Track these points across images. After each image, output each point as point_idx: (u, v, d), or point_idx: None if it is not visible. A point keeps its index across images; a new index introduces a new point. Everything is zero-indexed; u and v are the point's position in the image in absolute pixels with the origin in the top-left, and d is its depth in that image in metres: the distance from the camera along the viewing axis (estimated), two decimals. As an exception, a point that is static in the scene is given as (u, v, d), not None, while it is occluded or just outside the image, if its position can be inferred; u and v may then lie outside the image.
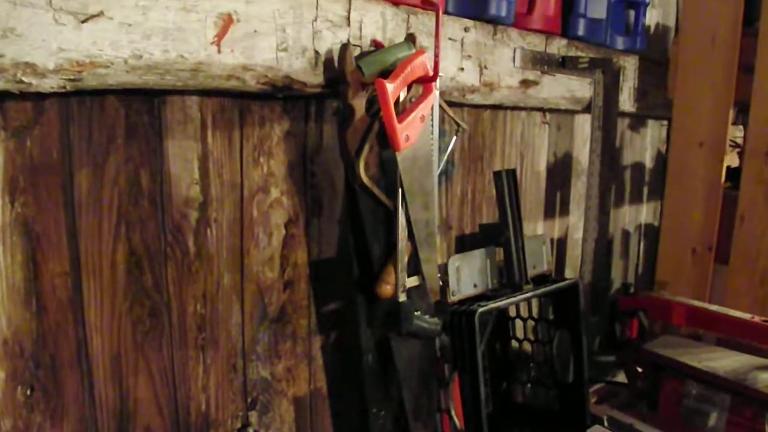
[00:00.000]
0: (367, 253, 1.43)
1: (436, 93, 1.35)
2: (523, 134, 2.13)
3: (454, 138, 1.58)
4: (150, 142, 1.26)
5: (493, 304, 1.54)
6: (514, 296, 1.63)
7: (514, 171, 1.68)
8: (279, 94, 1.36)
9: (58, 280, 1.19)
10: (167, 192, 1.30)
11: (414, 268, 1.46)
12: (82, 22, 1.03)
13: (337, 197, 1.57)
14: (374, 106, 1.34)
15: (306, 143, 1.50)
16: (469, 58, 1.70)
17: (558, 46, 2.00)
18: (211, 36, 1.18)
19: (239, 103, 1.38)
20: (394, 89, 1.23)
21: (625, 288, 2.51)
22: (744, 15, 2.19)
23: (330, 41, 1.36)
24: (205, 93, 1.31)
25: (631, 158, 2.75)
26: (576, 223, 2.46)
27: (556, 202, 2.37)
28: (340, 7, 1.38)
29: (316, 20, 1.33)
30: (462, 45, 1.67)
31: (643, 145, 2.83)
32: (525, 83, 1.90)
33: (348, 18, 1.39)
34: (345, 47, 1.33)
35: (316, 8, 1.33)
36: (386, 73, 1.28)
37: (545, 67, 1.93)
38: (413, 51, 1.36)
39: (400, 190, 1.36)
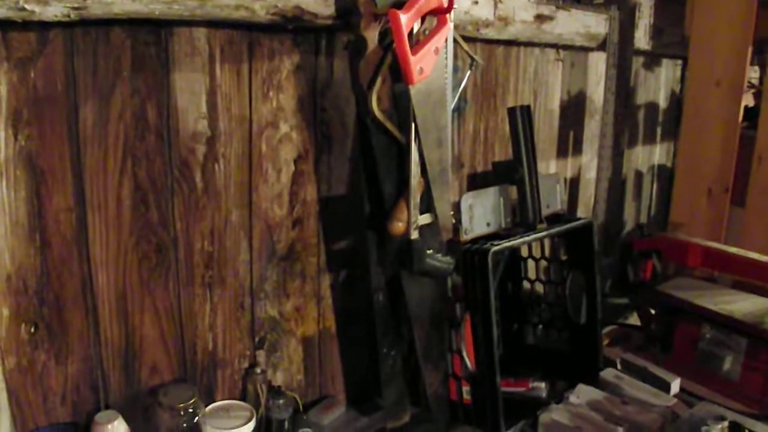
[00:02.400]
0: (378, 189, 1.40)
1: (450, 25, 1.31)
2: (536, 71, 2.08)
3: (468, 73, 1.54)
4: (157, 75, 1.23)
5: (506, 243, 1.51)
6: (528, 235, 1.60)
7: (528, 107, 1.64)
8: (289, 26, 1.32)
9: (63, 215, 1.17)
10: (174, 126, 1.27)
11: (426, 205, 1.43)
12: (86, -55, 1.00)
13: (347, 133, 1.53)
14: (387, 37, 1.30)
15: (316, 77, 1.46)
16: (483, -10, 1.65)
17: (574, -19, 1.95)
18: None
19: (248, 35, 1.34)
20: (407, 20, 1.19)
21: (639, 229, 2.48)
22: (765, -53, 2.11)
23: None
24: (213, 24, 1.27)
25: (644, 98, 2.71)
26: (588, 163, 2.43)
27: (568, 142, 2.33)
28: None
29: (326, -50, 1.29)
30: (477, -23, 1.62)
31: (657, 85, 2.78)
32: (539, 18, 1.85)
33: (359, -52, 1.34)
34: None
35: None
36: (400, 4, 1.23)
37: (560, 2, 1.88)
38: None
39: (413, 125, 1.32)
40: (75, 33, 1.12)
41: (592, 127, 2.40)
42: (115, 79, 1.18)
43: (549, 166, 2.24)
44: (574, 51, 2.21)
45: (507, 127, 1.79)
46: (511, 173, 1.66)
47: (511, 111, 1.63)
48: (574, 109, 2.31)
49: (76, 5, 1.01)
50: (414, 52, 1.22)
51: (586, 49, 2.24)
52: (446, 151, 1.40)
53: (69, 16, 1.01)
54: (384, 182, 1.39)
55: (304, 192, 1.50)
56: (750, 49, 2.15)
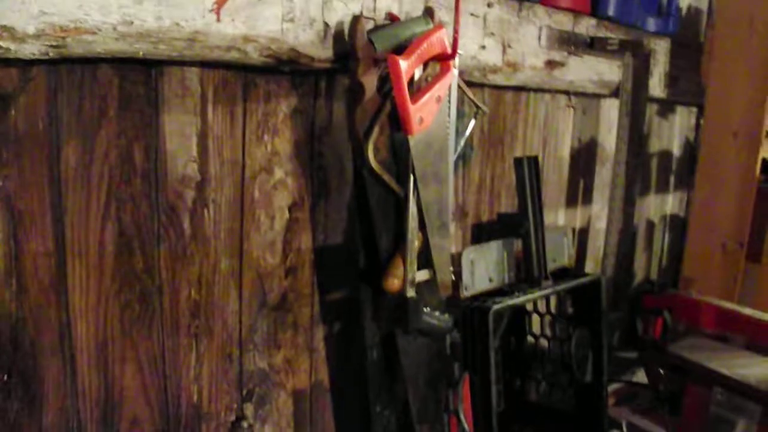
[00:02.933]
0: (374, 243, 1.33)
1: (454, 72, 1.24)
2: (546, 118, 2.02)
3: (473, 121, 1.48)
4: (145, 116, 1.18)
5: (508, 301, 1.45)
6: (532, 293, 1.54)
7: (535, 158, 1.58)
8: (284, 68, 1.27)
9: (41, 260, 1.11)
10: (162, 169, 1.21)
11: (425, 260, 1.36)
12: (67, -18, 0.94)
13: (345, 180, 1.47)
14: (386, 84, 1.24)
15: (314, 121, 1.41)
16: (492, 36, 1.59)
17: (586, 26, 1.89)
18: (209, 3, 1.09)
19: (243, 76, 1.28)
20: (408, 66, 1.12)
21: (650, 285, 2.41)
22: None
23: (341, 12, 1.26)
24: (206, 64, 1.21)
25: (658, 146, 2.64)
26: (599, 213, 2.36)
27: (578, 190, 2.27)
28: (354, -25, 1.28)
29: (326, -12, 1.23)
30: (485, 21, 1.56)
31: (671, 133, 2.72)
32: (550, 64, 1.79)
33: (361, -13, 1.28)
34: (356, 19, 1.22)
35: (327, -25, 1.23)
36: (401, 49, 1.17)
37: (572, 48, 1.82)
38: (431, 26, 1.25)
39: (411, 177, 1.26)
40: (59, 70, 1.06)
41: (603, 176, 2.34)
42: (101, 118, 1.12)
43: (558, 215, 2.18)
44: (585, 98, 2.16)
45: (514, 176, 1.74)
46: (516, 226, 1.60)
47: (518, 162, 1.57)
48: (584, 157, 2.25)
49: (54, 43, 0.95)
50: (414, 101, 1.16)
51: (598, 96, 2.18)
52: (446, 204, 1.33)
53: (48, 54, 0.96)
54: (380, 236, 1.32)
55: (298, 240, 1.44)
56: (768, 100, 2.10)
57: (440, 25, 1.25)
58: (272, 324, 1.44)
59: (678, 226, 2.87)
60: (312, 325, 1.51)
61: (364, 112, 1.22)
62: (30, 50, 0.94)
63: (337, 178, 1.46)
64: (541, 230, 1.58)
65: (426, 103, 1.18)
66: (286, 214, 1.41)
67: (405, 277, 1.30)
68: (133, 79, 1.15)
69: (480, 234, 1.86)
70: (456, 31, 1.21)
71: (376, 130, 1.21)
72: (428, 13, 1.28)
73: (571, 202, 2.23)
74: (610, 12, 1.92)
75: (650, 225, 2.72)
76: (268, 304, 1.43)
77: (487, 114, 1.57)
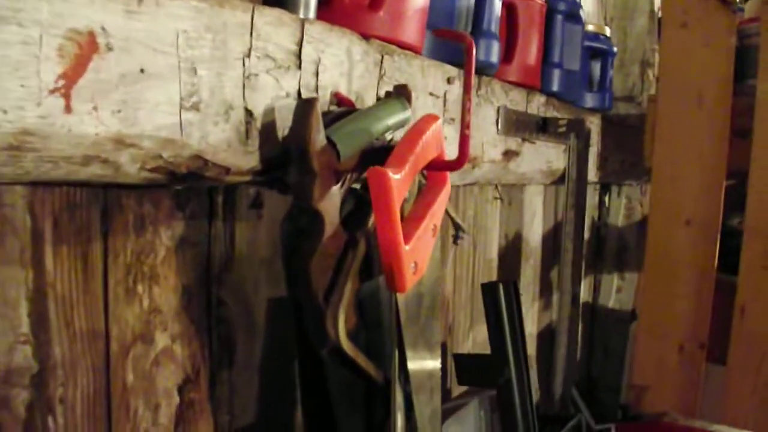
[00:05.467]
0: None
1: (449, 187, 0.80)
2: (475, 214, 1.65)
3: (453, 249, 1.06)
4: (-67, 276, 0.69)
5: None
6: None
7: (515, 283, 1.18)
8: (178, 186, 0.80)
9: None
10: (-30, 362, 0.72)
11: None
12: None
13: (255, 333, 1.03)
14: (346, 206, 0.77)
15: (210, 255, 0.95)
16: (452, 123, 1.17)
17: (537, 105, 1.54)
18: (50, 77, 0.57)
19: (102, 195, 0.81)
20: (401, 184, 0.65)
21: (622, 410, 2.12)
22: (735, 70, 1.87)
23: (271, 93, 0.78)
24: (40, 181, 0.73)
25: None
26: (524, 316, 2.02)
27: (506, 296, 1.91)
28: (287, 37, 0.80)
29: (248, 55, 0.75)
30: (444, 103, 1.14)
31: (580, 215, 2.44)
32: (507, 155, 1.41)
33: (299, 55, 0.81)
34: (309, 105, 0.72)
35: (250, 35, 0.74)
36: (378, 153, 0.72)
37: (526, 134, 1.45)
38: (408, 114, 0.80)
39: (396, 352, 0.79)
40: None
41: (527, 274, 2.01)
42: None
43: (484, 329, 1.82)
44: (511, 187, 1.82)
45: (446, 292, 1.38)
46: (483, 371, 1.19)
47: (488, 289, 1.15)
48: (511, 256, 1.91)
49: None
50: (406, 239, 0.68)
51: (522, 184, 1.86)
52: (438, 379, 0.89)
53: None
54: (345, 440, 0.86)
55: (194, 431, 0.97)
56: (724, 184, 1.85)
57: (433, 115, 0.79)
58: None
59: (588, 312, 2.61)
60: None
61: (324, 260, 0.72)
62: None
63: (244, 332, 1.01)
64: (526, 378, 1.17)
65: (420, 240, 0.71)
66: (176, 398, 0.94)
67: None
68: None
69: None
70: (467, 125, 0.77)
71: (347, 288, 0.73)
72: (402, 93, 0.81)
73: (500, 310, 1.88)
74: (555, 87, 1.59)
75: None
76: None
77: (469, 235, 1.16)
